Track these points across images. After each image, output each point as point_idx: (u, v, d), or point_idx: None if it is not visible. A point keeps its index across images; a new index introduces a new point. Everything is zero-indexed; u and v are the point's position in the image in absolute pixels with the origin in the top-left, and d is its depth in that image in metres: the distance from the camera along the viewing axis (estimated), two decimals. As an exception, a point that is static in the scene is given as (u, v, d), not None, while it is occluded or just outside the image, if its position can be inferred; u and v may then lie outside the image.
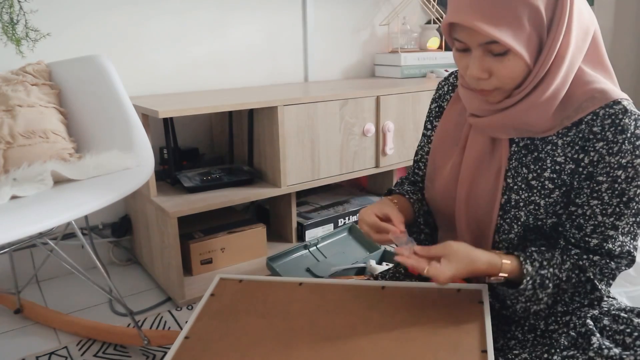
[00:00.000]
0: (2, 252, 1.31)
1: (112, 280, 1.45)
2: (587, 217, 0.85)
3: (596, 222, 0.85)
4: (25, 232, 0.93)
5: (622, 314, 0.81)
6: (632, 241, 0.86)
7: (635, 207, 0.84)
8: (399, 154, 2.05)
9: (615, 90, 0.85)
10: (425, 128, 1.09)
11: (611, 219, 0.84)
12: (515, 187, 0.90)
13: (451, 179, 0.97)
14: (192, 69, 1.99)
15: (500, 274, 0.84)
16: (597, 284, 0.85)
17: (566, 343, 0.79)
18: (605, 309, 0.86)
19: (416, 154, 1.13)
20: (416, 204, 1.06)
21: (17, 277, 1.59)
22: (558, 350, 0.78)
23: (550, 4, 0.78)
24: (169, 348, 1.34)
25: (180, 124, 1.97)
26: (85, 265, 1.80)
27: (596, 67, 0.88)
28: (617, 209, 0.84)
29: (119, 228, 1.89)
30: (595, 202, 0.84)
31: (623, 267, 0.87)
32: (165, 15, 1.89)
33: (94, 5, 1.75)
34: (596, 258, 0.86)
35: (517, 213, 0.89)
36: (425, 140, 1.09)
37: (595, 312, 0.84)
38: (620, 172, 0.82)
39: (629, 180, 0.82)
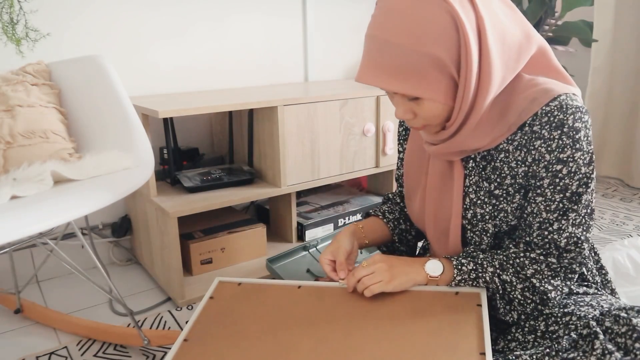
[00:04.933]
0: (2, 252, 1.31)
1: (112, 280, 1.45)
2: (534, 215, 0.87)
3: (541, 219, 0.87)
4: (25, 232, 0.93)
5: (622, 314, 0.81)
6: (584, 232, 0.87)
7: (586, 200, 0.85)
8: (399, 154, 2.05)
9: (560, 86, 0.85)
10: (398, 150, 1.14)
11: (555, 215, 0.86)
12: (479, 201, 0.92)
13: (422, 204, 1.02)
14: (192, 69, 1.99)
15: (428, 260, 0.92)
16: (537, 283, 0.87)
17: (567, 345, 0.79)
18: (606, 308, 0.86)
19: (397, 172, 1.18)
20: (391, 223, 1.12)
21: (17, 277, 1.60)
22: (560, 352, 0.78)
23: (452, 47, 0.78)
24: (169, 348, 1.34)
25: (180, 124, 1.97)
26: (85, 265, 1.80)
27: (547, 75, 0.89)
28: (561, 205, 0.85)
29: (119, 228, 1.89)
30: (540, 199, 0.86)
31: (567, 261, 0.87)
32: (165, 15, 1.89)
33: (93, 5, 1.75)
34: (534, 255, 0.87)
35: (484, 226, 0.92)
36: (400, 162, 1.14)
37: (597, 312, 0.84)
38: (561, 166, 0.83)
39: (572, 174, 0.83)
